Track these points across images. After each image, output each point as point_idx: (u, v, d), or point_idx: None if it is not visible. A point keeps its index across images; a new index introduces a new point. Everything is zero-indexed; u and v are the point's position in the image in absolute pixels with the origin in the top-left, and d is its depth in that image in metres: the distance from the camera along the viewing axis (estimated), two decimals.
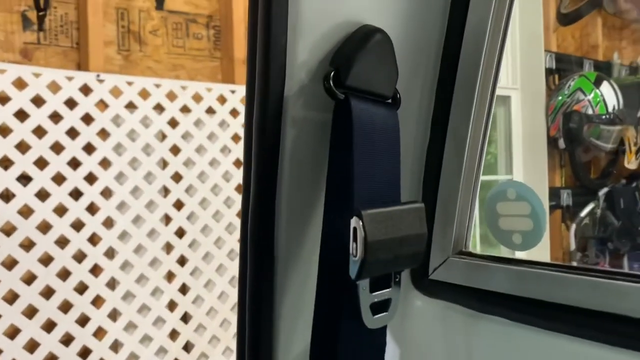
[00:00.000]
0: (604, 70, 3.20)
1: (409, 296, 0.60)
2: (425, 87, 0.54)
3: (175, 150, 1.91)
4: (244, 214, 0.53)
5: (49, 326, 1.61)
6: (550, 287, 0.47)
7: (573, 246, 3.02)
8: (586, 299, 0.44)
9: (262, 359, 0.52)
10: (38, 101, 1.65)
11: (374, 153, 0.46)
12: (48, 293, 1.62)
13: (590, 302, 0.44)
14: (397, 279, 0.47)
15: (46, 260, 1.62)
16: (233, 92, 2.06)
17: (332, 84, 0.46)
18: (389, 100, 0.49)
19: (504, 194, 0.52)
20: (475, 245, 2.62)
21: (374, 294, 0.46)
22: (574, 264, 3.02)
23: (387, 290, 0.47)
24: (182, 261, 1.90)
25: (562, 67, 3.07)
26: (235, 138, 2.06)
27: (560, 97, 2.93)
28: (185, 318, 1.90)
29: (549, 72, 3.01)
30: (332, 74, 0.46)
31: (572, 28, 3.24)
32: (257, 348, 0.52)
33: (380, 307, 0.47)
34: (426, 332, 0.59)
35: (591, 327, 0.44)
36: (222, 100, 2.04)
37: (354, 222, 0.43)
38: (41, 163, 1.64)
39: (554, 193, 3.05)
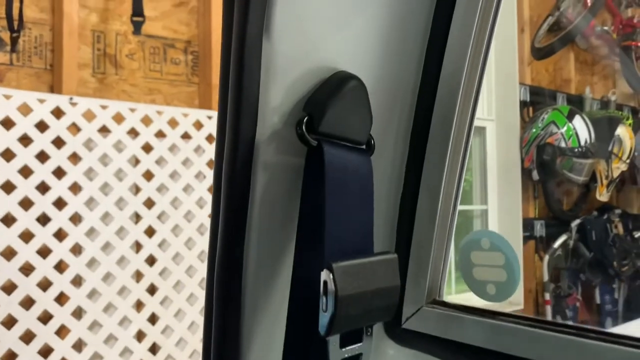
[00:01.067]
0: (576, 103, 3.27)
1: (382, 345, 0.58)
2: (399, 133, 0.53)
3: (148, 175, 1.87)
4: (210, 261, 0.51)
5: (10, 357, 1.55)
6: (523, 342, 0.46)
7: (546, 277, 3.04)
8: (559, 357, 0.43)
9: None
10: (7, 123, 1.61)
11: (347, 200, 0.45)
12: (10, 322, 1.55)
13: None
14: (368, 333, 0.46)
15: (9, 287, 1.56)
16: (210, 117, 2.04)
17: (304, 130, 0.45)
18: (363, 147, 0.48)
19: (478, 243, 0.51)
20: (451, 286, 2.60)
21: (344, 349, 0.44)
22: (547, 296, 3.04)
23: (358, 345, 0.45)
24: (152, 290, 1.85)
25: (536, 100, 3.13)
26: (211, 164, 2.03)
27: (534, 130, 2.97)
28: (154, 349, 1.84)
29: (523, 104, 3.06)
30: (305, 119, 0.45)
31: (545, 62, 3.31)
32: None
33: None
34: None
35: None
36: (198, 125, 2.02)
37: (325, 275, 0.41)
38: (8, 187, 1.59)
39: (527, 224, 3.07)
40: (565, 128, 2.91)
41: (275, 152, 0.46)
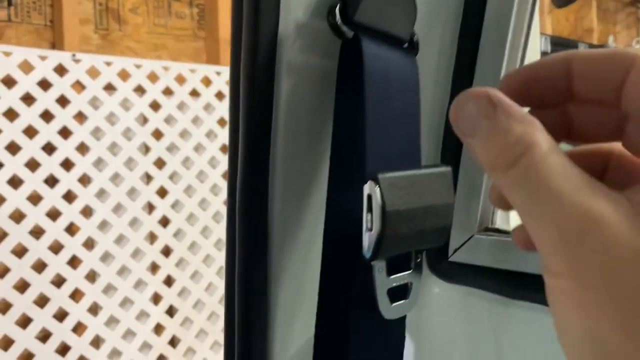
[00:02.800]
0: None
1: (425, 282, 0.52)
2: (446, 29, 0.45)
3: (157, 134, 1.81)
4: (230, 186, 0.44)
5: (24, 322, 1.51)
6: None
7: None
8: None
9: (255, 357, 0.43)
10: (9, 82, 1.54)
11: (390, 105, 0.38)
12: (23, 286, 1.51)
13: None
14: (418, 260, 0.39)
15: (20, 251, 1.52)
16: (219, 73, 1.96)
17: (338, 19, 0.37)
18: (405, 45, 0.41)
19: None
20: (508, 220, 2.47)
21: (391, 277, 0.37)
22: None
23: (407, 273, 0.38)
24: (166, 252, 1.80)
25: (557, 50, 2.99)
26: (222, 122, 1.96)
27: None
28: (171, 311, 1.80)
29: (544, 55, 2.92)
30: (338, 6, 0.37)
31: (566, 11, 3.17)
32: (249, 345, 0.43)
33: (398, 293, 0.38)
34: (446, 323, 0.51)
35: None
36: (206, 82, 1.94)
37: (368, 188, 0.34)
38: (13, 148, 1.53)
39: None
40: None
41: (301, 50, 0.39)
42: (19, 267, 1.50)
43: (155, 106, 1.80)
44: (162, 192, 1.80)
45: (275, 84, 0.39)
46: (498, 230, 0.47)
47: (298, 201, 0.43)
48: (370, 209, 0.34)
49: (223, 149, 1.95)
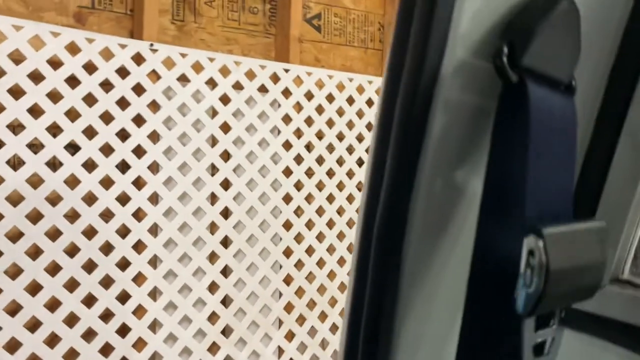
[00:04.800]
0: None
1: None
2: (597, 71, 0.44)
3: (225, 127, 1.83)
4: (366, 215, 0.44)
5: (89, 301, 1.56)
6: None
7: None
8: None
9: None
10: (89, 67, 1.59)
11: (552, 151, 0.37)
12: (90, 266, 1.57)
13: None
14: (562, 315, 0.38)
15: (90, 233, 1.57)
16: (287, 71, 1.97)
17: (505, 62, 0.36)
18: (563, 87, 0.40)
19: None
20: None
21: (538, 333, 0.37)
22: None
23: (551, 328, 0.38)
24: (225, 242, 1.83)
25: None
26: (286, 119, 1.97)
27: None
28: (225, 301, 1.84)
29: None
30: (505, 49, 0.36)
31: None
32: None
33: (537, 348, 0.37)
34: None
35: None
36: (275, 78, 1.95)
37: (531, 242, 0.33)
38: (89, 132, 1.58)
39: None
40: None
41: (461, 88, 0.38)
42: (88, 248, 1.56)
43: (225, 99, 1.83)
44: (225, 184, 1.83)
45: (429, 120, 0.39)
46: (630, 283, 0.46)
47: (436, 239, 0.43)
48: (529, 265, 0.33)
49: (285, 145, 1.96)
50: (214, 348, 1.79)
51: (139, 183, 1.67)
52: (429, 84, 0.38)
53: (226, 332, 1.83)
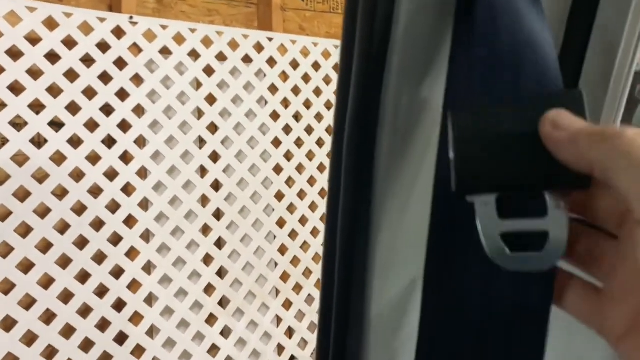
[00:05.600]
0: None
1: None
2: None
3: (210, 99, 1.82)
4: (337, 128, 0.43)
5: (83, 277, 1.56)
6: None
7: None
8: None
9: (354, 295, 0.43)
10: (69, 43, 1.57)
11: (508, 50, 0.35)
12: (82, 243, 1.56)
13: None
14: (560, 206, 0.29)
15: (79, 209, 1.56)
16: (270, 39, 1.95)
17: None
18: None
19: None
20: None
21: (508, 221, 0.29)
22: None
23: (538, 219, 0.29)
24: (217, 215, 1.83)
25: None
26: (272, 89, 1.96)
27: None
28: (221, 273, 1.84)
29: None
30: None
31: None
32: (349, 284, 0.43)
33: (519, 241, 0.30)
34: None
35: None
36: (258, 48, 1.94)
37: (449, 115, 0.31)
38: (73, 108, 1.56)
39: None
40: None
41: None
42: (79, 225, 1.55)
43: (208, 71, 1.81)
44: (214, 157, 1.82)
45: (392, 31, 0.38)
46: None
47: (404, 153, 0.42)
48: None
49: (273, 115, 1.95)
50: (211, 319, 1.80)
51: (126, 158, 1.66)
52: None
53: (223, 303, 1.84)
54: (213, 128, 1.82)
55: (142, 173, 1.69)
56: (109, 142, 1.64)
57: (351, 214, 0.43)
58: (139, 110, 1.68)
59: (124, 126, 1.65)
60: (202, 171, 1.81)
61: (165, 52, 1.74)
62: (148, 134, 1.68)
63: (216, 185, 1.83)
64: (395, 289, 0.45)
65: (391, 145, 0.41)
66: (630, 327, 0.25)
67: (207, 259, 1.80)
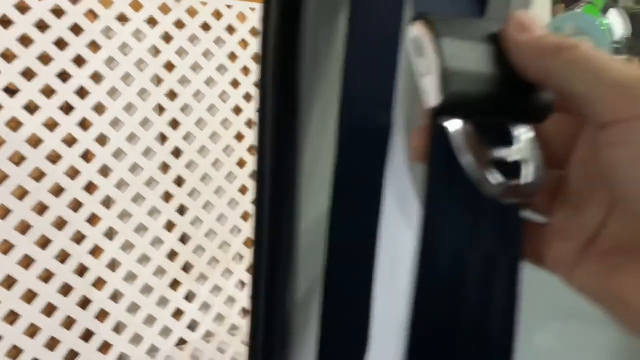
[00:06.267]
0: None
1: None
2: None
3: (169, 66, 1.82)
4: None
5: (43, 243, 1.57)
6: None
7: None
8: None
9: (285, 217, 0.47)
10: (22, 8, 1.55)
11: None
12: (41, 209, 1.56)
13: None
14: (528, 135, 0.28)
15: (38, 176, 1.56)
16: (229, 6, 1.96)
17: None
18: None
19: (559, 30, 0.46)
20: None
21: (492, 148, 0.27)
22: None
23: (507, 147, 0.28)
24: (179, 182, 1.85)
25: None
26: (232, 56, 1.97)
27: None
28: (184, 239, 1.86)
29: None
30: None
31: None
32: (279, 204, 0.47)
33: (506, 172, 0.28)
34: None
35: None
36: (217, 15, 1.94)
37: (415, 29, 0.28)
38: (28, 74, 1.55)
39: None
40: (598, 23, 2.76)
41: None
42: (37, 190, 1.55)
43: (167, 38, 1.81)
44: (174, 124, 1.83)
45: None
46: None
47: (320, 74, 0.46)
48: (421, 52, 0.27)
49: (233, 83, 1.96)
50: (175, 285, 1.83)
51: (84, 124, 1.66)
52: None
53: (186, 268, 1.86)
54: (172, 95, 1.83)
55: (102, 140, 1.69)
56: (67, 109, 1.63)
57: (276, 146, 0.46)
58: (96, 77, 1.67)
59: (82, 93, 1.65)
60: (162, 139, 1.82)
61: (122, 19, 1.73)
62: (106, 101, 1.68)
63: (177, 153, 1.84)
64: (319, 209, 0.49)
65: (312, 62, 0.44)
66: (579, 256, 0.26)
67: (170, 226, 1.82)
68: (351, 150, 0.42)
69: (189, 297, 1.87)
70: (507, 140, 0.27)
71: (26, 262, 1.54)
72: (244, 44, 2.00)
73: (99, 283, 1.67)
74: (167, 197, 1.82)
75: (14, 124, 1.53)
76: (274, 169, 0.47)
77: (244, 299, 1.97)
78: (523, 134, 0.27)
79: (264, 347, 0.51)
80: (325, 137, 0.47)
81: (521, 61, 0.26)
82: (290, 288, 0.53)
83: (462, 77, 0.26)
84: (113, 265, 1.71)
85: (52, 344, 1.57)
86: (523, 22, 0.26)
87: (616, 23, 2.77)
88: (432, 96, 0.26)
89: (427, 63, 0.27)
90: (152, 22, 1.79)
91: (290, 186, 0.48)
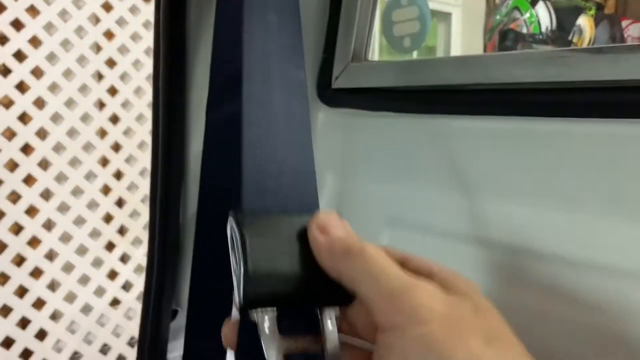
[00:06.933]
0: None
1: (315, 108, 0.66)
2: None
3: (109, 35, 1.87)
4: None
5: None
6: (430, 72, 0.53)
7: None
8: (457, 76, 0.51)
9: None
10: None
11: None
12: None
13: (461, 78, 0.51)
14: (333, 320, 0.30)
15: None
16: None
17: None
18: None
19: (398, 1, 0.57)
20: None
21: (288, 338, 0.30)
22: None
23: (314, 335, 0.30)
24: (116, 148, 1.90)
25: None
26: (147, 25, 1.99)
27: (497, 16, 3.00)
28: (120, 203, 1.93)
29: None
30: None
31: None
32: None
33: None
34: (328, 139, 0.65)
35: (459, 102, 0.51)
36: None
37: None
38: None
39: None
40: (527, 14, 2.95)
41: None
42: None
43: (107, 7, 1.86)
44: (112, 91, 1.88)
45: None
46: (367, 60, 0.61)
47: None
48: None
49: (147, 51, 1.96)
50: (110, 247, 1.89)
51: (22, 87, 1.69)
52: None
53: (122, 231, 1.93)
54: (111, 63, 1.88)
55: (39, 103, 1.73)
56: (4, 72, 1.66)
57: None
58: (35, 41, 1.71)
59: (20, 56, 1.68)
60: (100, 105, 1.87)
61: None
62: (44, 65, 1.72)
63: (115, 119, 1.89)
64: None
65: None
66: None
67: (106, 190, 1.88)
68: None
69: (124, 259, 1.94)
70: (315, 323, 0.29)
71: None
72: None
73: (34, 242, 1.72)
74: (103, 162, 1.88)
75: None
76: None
77: None
78: (329, 318, 0.29)
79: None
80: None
81: (319, 261, 0.28)
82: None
83: (265, 280, 0.27)
84: (49, 226, 1.76)
85: None
86: (323, 223, 0.28)
87: (543, 15, 2.97)
88: (237, 295, 0.28)
89: (236, 260, 0.28)
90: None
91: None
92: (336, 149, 0.65)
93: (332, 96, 0.63)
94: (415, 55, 0.59)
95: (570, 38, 3.04)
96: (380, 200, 0.59)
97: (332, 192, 0.64)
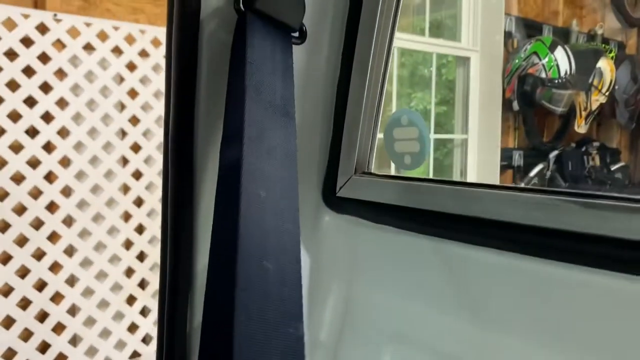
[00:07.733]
0: (562, 36, 3.29)
1: (320, 212, 0.68)
2: (335, 24, 0.60)
3: (132, 93, 1.93)
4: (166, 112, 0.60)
5: (5, 259, 1.66)
6: (432, 198, 0.55)
7: None
8: (454, 205, 0.52)
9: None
10: None
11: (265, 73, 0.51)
12: (4, 227, 1.65)
13: (458, 208, 0.52)
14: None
15: (1, 195, 1.66)
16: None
17: (241, 5, 0.51)
18: (296, 34, 0.56)
19: (399, 120, 0.59)
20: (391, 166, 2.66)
21: None
22: None
23: None
24: (139, 202, 1.95)
25: (521, 32, 3.15)
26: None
27: (516, 60, 3.02)
28: (142, 256, 1.96)
29: (508, 35, 3.09)
30: None
31: None
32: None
33: None
34: (334, 243, 0.67)
35: (456, 230, 0.52)
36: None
37: None
38: None
39: (506, 153, 3.17)
40: (546, 59, 2.96)
41: (217, 28, 0.54)
42: (1, 209, 1.64)
43: (131, 67, 1.92)
44: (135, 148, 1.94)
45: (198, 53, 0.54)
46: (371, 174, 0.63)
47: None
48: None
49: None
50: (131, 300, 1.92)
51: (49, 147, 1.76)
52: (193, 26, 0.53)
53: (143, 285, 1.96)
54: (135, 120, 1.94)
55: (65, 162, 1.79)
56: (32, 132, 1.73)
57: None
58: (62, 103, 1.78)
59: (47, 118, 1.75)
60: (124, 161, 1.92)
61: (88, 48, 1.84)
62: (70, 126, 1.78)
63: (138, 175, 1.94)
64: None
65: None
66: None
67: (128, 244, 1.92)
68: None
69: (145, 312, 1.96)
70: None
71: None
72: None
73: (57, 297, 1.76)
74: (126, 217, 1.92)
75: None
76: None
77: None
78: None
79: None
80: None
81: None
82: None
83: None
84: (72, 281, 1.80)
85: (9, 354, 1.66)
86: None
87: (562, 60, 2.97)
88: None
89: None
90: (117, 51, 1.90)
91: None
92: (342, 254, 0.66)
93: (337, 203, 0.65)
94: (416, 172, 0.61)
95: (590, 81, 3.04)
96: (386, 312, 0.60)
97: (338, 300, 0.65)
